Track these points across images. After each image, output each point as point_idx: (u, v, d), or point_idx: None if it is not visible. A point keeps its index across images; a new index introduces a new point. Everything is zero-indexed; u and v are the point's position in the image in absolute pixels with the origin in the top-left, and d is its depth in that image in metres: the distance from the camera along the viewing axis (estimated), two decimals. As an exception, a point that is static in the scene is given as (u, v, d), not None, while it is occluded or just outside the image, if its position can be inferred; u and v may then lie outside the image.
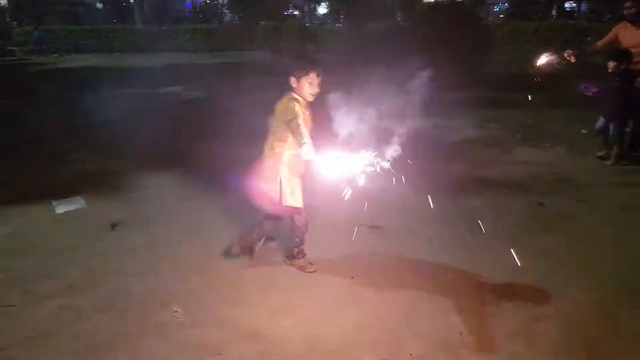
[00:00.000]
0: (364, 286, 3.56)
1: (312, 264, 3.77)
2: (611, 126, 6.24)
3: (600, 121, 6.42)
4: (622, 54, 6.08)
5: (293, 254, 3.80)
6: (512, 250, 4.05)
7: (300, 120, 3.37)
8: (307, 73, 3.41)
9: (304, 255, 3.81)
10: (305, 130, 3.37)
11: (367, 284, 3.59)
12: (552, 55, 6.08)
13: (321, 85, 3.47)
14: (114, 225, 4.58)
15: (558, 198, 5.29)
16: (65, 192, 5.33)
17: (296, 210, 3.62)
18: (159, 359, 2.83)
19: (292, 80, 3.44)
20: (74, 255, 3.99)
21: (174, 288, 3.53)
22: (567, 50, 5.92)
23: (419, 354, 2.86)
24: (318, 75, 3.44)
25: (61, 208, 4.98)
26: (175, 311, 3.24)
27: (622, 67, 6.02)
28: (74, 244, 4.19)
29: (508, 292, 3.49)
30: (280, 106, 3.47)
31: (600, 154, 6.56)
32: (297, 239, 3.76)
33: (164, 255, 4.03)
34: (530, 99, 9.70)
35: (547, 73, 6.16)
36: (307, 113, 3.51)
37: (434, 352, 2.87)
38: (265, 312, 3.25)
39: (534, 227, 4.60)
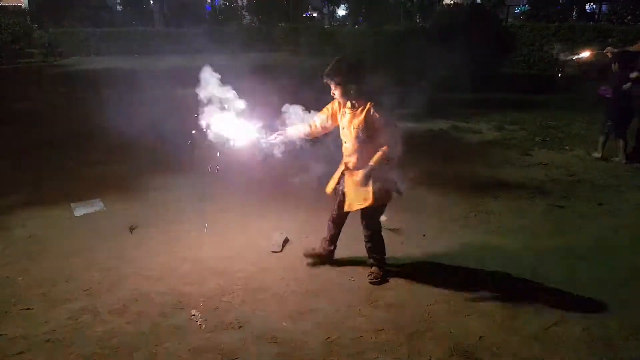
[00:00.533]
0: (382, 289, 3.54)
1: (312, 256, 3.90)
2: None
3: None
4: (620, 56, 6.31)
5: None
6: (530, 253, 4.02)
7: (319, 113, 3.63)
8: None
9: (322, 246, 3.90)
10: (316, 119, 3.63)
11: (385, 286, 3.58)
12: (592, 51, 6.25)
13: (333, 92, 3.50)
14: (132, 228, 4.61)
15: (577, 201, 5.23)
16: (84, 195, 5.38)
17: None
18: (176, 362, 2.83)
19: None
20: (92, 258, 4.02)
21: (192, 290, 3.54)
22: (608, 47, 6.01)
23: (437, 357, 2.84)
24: (326, 83, 3.50)
25: (80, 210, 5.02)
26: (193, 314, 3.25)
27: (617, 67, 6.27)
28: (92, 247, 4.23)
29: (527, 294, 3.45)
30: None
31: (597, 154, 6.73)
32: None
33: (182, 257, 4.05)
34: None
35: (585, 67, 6.36)
36: (346, 112, 3.53)
37: (452, 356, 2.84)
38: (284, 315, 3.24)
39: (554, 229, 4.56)
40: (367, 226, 3.65)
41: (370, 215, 3.59)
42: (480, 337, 3.00)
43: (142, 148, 7.57)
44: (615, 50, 6.20)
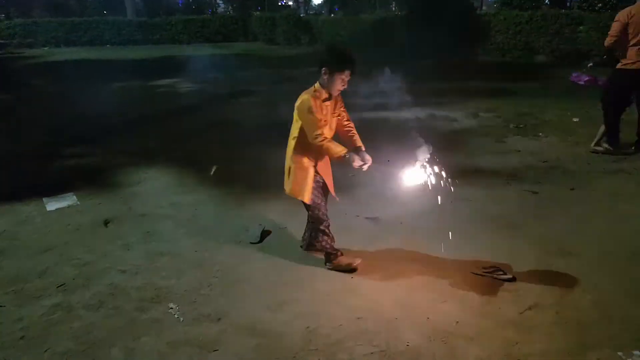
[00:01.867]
0: (361, 278, 3.56)
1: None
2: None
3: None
4: None
5: (316, 247, 3.72)
6: (505, 239, 4.08)
7: (313, 114, 3.29)
8: (344, 70, 3.31)
9: (335, 253, 3.71)
10: (317, 123, 3.29)
11: (364, 275, 3.59)
12: None
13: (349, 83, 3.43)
14: (106, 222, 4.54)
15: (550, 186, 5.32)
16: (56, 189, 5.28)
17: (306, 204, 3.54)
18: (154, 356, 2.80)
19: (324, 71, 3.32)
20: (65, 254, 3.95)
21: (169, 284, 3.50)
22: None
23: (415, 343, 2.86)
24: (351, 74, 3.36)
25: (52, 205, 4.92)
26: (171, 307, 3.23)
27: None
28: (66, 242, 4.15)
29: (503, 280, 3.49)
30: (300, 99, 3.35)
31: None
32: (314, 233, 3.67)
33: (158, 250, 4.00)
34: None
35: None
36: (328, 105, 3.42)
37: (430, 342, 2.87)
38: (263, 307, 3.24)
39: (528, 215, 4.62)
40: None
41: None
42: (457, 322, 3.04)
43: (115, 140, 7.46)
44: None
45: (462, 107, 9.42)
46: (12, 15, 27.56)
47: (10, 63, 19.27)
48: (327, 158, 3.56)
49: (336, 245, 3.72)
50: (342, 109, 3.59)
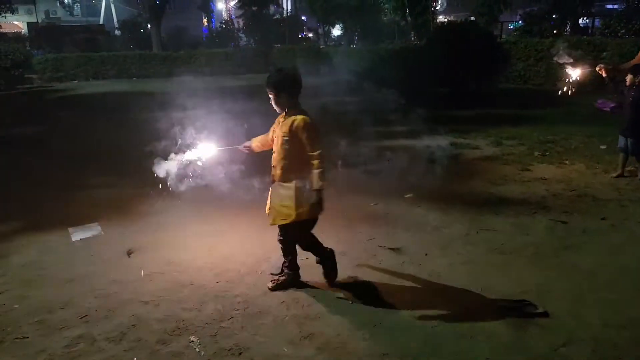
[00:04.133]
0: (385, 311, 3.47)
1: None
2: (629, 141, 6.12)
3: (621, 140, 6.28)
4: (636, 69, 6.04)
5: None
6: (534, 270, 3.95)
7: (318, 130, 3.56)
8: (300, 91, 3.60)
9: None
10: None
11: (388, 308, 3.50)
12: (583, 69, 6.02)
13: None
14: (130, 252, 4.55)
15: (580, 216, 5.17)
16: (81, 219, 5.33)
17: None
18: (175, 391, 2.76)
19: (284, 95, 3.57)
20: (89, 284, 3.96)
21: (190, 316, 3.47)
22: (600, 64, 5.83)
23: (443, 384, 2.75)
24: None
25: (77, 235, 4.96)
26: (192, 340, 3.18)
27: (637, 80, 5.98)
28: (90, 272, 4.16)
29: (533, 314, 3.36)
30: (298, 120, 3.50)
31: (614, 174, 6.41)
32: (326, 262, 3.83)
33: (180, 281, 3.98)
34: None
35: (576, 85, 6.08)
36: (280, 123, 3.65)
37: (459, 383, 2.76)
38: (285, 341, 3.16)
39: (557, 245, 4.49)
40: (293, 237, 3.75)
41: (294, 228, 3.65)
42: (487, 359, 2.92)
43: (139, 171, 7.54)
44: (610, 66, 6.04)
45: (484, 135, 9.33)
46: (44, 51, 28.59)
47: (41, 96, 19.88)
48: (278, 182, 3.65)
49: (358, 276, 3.70)
50: (285, 134, 3.61)
